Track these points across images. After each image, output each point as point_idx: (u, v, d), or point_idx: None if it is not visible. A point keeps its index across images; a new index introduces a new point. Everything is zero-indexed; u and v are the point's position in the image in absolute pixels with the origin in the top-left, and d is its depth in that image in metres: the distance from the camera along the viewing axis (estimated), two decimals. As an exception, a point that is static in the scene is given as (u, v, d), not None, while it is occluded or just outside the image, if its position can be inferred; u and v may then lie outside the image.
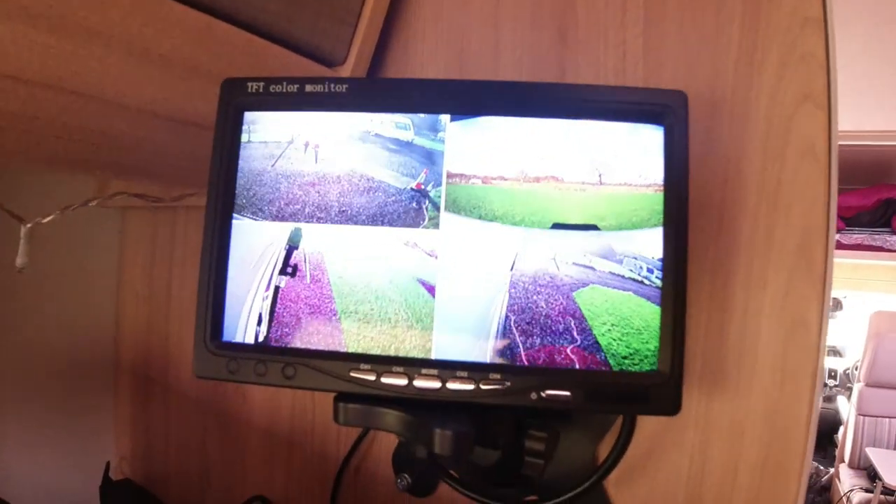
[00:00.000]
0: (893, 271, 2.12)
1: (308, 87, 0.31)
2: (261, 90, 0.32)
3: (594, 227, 0.30)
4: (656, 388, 0.29)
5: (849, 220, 2.20)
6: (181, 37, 0.34)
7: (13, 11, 0.28)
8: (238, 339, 0.30)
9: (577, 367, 0.29)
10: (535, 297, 0.29)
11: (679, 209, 0.30)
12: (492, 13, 0.44)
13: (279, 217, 0.31)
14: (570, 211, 0.30)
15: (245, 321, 0.31)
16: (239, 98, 0.32)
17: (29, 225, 0.36)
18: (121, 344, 0.70)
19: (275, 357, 0.29)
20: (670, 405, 0.29)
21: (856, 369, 2.26)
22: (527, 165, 0.30)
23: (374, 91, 0.31)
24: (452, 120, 0.31)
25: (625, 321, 0.29)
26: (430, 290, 0.30)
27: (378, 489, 0.48)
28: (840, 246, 2.17)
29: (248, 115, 0.32)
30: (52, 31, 0.30)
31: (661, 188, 0.30)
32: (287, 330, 0.30)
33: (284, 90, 0.31)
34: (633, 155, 0.30)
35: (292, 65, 0.40)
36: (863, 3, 1.43)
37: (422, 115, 0.31)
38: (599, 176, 0.30)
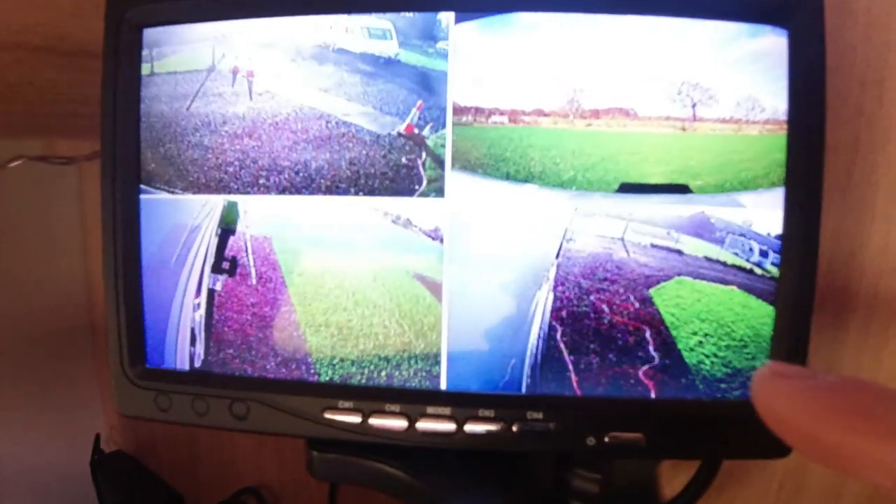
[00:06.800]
0: None
1: (229, -23, 0.20)
2: (160, -12, 0.20)
3: (684, 189, 0.19)
4: (762, 424, 0.20)
5: None
6: None
7: None
8: (168, 364, 0.22)
9: (653, 396, 0.20)
10: (592, 297, 0.20)
11: (810, 158, 0.19)
12: None
13: (204, 187, 0.21)
14: (648, 163, 0.19)
15: (174, 340, 0.21)
16: (133, 8, 0.21)
17: None
18: (95, 307, 0.64)
19: (218, 390, 0.21)
20: (780, 446, 0.20)
21: None
22: (581, 93, 0.19)
23: (333, -23, 0.19)
24: (458, 20, 0.19)
25: (723, 329, 0.20)
26: (435, 289, 0.20)
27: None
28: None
29: (149, 34, 0.21)
30: None
31: (784, 126, 0.19)
32: (232, 351, 0.21)
33: (194, -16, 0.20)
34: (741, 74, 0.19)
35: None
36: None
37: (409, 14, 0.19)
38: (693, 107, 0.19)
